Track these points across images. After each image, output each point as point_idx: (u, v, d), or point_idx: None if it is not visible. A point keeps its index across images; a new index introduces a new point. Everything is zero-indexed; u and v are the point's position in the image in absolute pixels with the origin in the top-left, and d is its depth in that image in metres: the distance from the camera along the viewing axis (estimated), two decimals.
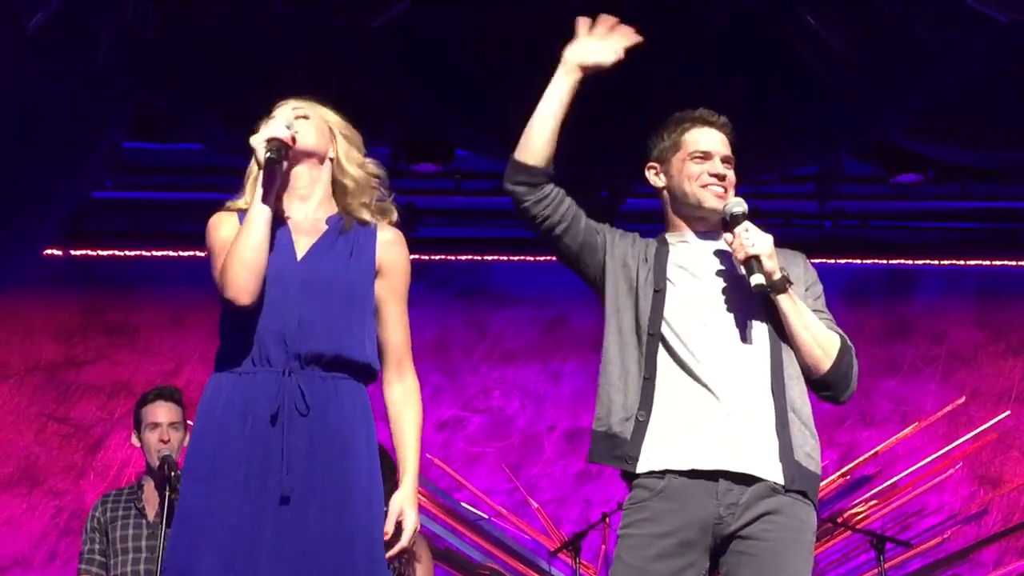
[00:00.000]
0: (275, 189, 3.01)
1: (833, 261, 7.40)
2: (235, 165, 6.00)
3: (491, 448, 7.16)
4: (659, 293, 3.14)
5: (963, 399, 7.19)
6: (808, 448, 3.07)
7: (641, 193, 6.30)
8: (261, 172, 2.99)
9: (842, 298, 7.42)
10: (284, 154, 3.00)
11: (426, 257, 7.08)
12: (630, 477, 3.09)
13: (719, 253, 3.22)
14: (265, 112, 3.19)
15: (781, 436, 3.03)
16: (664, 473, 3.02)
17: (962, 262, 7.44)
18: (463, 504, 7.00)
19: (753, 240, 3.07)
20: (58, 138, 5.01)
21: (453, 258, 7.43)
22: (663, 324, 3.11)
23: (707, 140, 3.26)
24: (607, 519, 6.06)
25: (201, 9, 4.87)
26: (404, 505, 2.99)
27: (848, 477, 7.03)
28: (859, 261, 7.46)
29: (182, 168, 6.93)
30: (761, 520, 2.98)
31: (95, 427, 7.09)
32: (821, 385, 3.16)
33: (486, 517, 6.97)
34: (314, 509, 2.87)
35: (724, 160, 3.25)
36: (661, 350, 3.10)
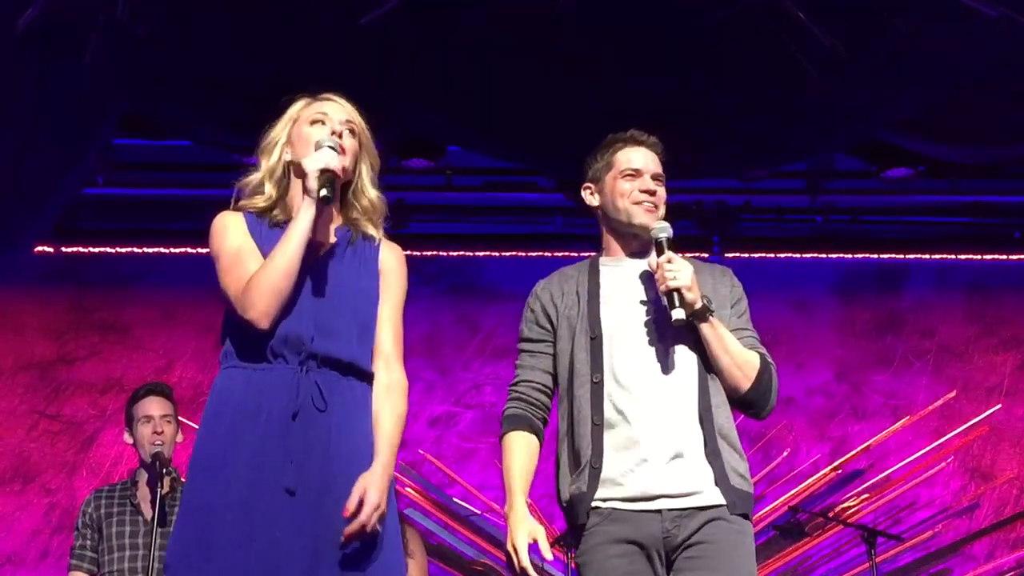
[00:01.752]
0: (317, 219, 2.99)
1: (824, 256, 7.45)
2: (225, 162, 6.06)
3: (483, 444, 7.16)
4: (596, 340, 3.24)
5: (954, 393, 7.21)
6: (740, 469, 3.18)
7: None
8: (307, 198, 2.96)
9: (833, 293, 7.46)
10: (337, 187, 3.01)
11: (417, 253, 7.09)
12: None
13: (649, 277, 3.30)
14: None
15: (714, 464, 3.14)
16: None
17: (952, 257, 7.47)
18: (455, 500, 7.00)
19: (675, 273, 3.16)
20: (50, 135, 5.00)
21: (444, 254, 7.44)
22: (604, 369, 3.20)
23: (638, 158, 3.38)
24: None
25: (190, 6, 4.86)
26: (368, 485, 2.89)
27: (840, 471, 7.04)
28: (850, 256, 7.49)
29: (173, 164, 6.92)
30: (706, 526, 3.09)
31: (87, 424, 7.08)
32: (742, 403, 3.28)
33: (479, 513, 6.97)
34: (328, 507, 2.86)
35: (654, 177, 3.37)
36: (606, 395, 3.18)
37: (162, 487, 4.56)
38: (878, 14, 4.73)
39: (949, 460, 7.09)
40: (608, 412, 3.16)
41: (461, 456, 7.13)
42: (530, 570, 3.08)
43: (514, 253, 7.42)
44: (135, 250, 7.30)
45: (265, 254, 2.99)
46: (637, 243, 3.36)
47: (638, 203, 3.31)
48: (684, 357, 3.20)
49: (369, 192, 3.15)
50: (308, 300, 2.98)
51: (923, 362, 7.36)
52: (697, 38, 4.73)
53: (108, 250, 7.30)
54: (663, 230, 3.26)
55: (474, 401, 7.29)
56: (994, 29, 4.76)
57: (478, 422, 7.23)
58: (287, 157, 3.11)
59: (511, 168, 6.83)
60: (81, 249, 7.29)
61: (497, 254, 7.47)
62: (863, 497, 6.97)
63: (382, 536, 2.91)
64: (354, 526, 2.84)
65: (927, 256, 7.45)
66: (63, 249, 7.24)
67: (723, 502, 3.10)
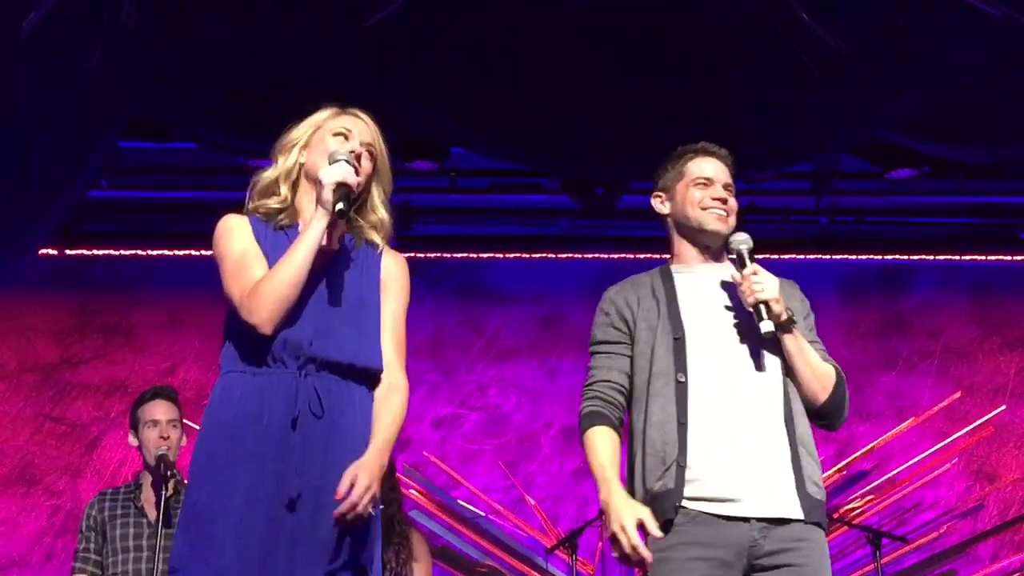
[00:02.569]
0: (328, 232, 3.01)
1: (829, 257, 7.45)
2: (230, 164, 6.07)
3: (488, 446, 7.16)
4: (679, 340, 3.25)
5: (959, 394, 7.19)
6: (815, 477, 3.21)
7: (636, 190, 6.31)
8: (320, 209, 2.98)
9: (838, 294, 7.45)
10: (352, 203, 3.03)
11: (421, 255, 7.09)
12: None
13: (726, 285, 3.34)
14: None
15: (796, 470, 3.16)
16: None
17: (957, 258, 7.46)
18: (460, 502, 7.00)
19: (763, 285, 3.19)
20: (55, 138, 5.01)
21: (449, 256, 7.44)
22: (688, 369, 3.22)
23: (709, 168, 3.45)
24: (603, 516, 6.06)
25: (194, 10, 4.87)
26: (359, 469, 2.87)
27: (844, 472, 7.03)
28: (855, 257, 7.49)
29: (177, 167, 6.93)
30: (791, 550, 3.09)
31: (91, 426, 7.09)
32: (818, 415, 3.31)
33: (483, 515, 6.97)
34: (328, 512, 2.86)
35: (725, 187, 3.43)
36: (691, 395, 3.19)
37: (167, 490, 4.57)
38: (882, 13, 4.73)
39: (954, 461, 7.07)
40: (693, 412, 3.17)
41: (466, 458, 7.13)
42: (642, 548, 3.04)
43: (519, 255, 7.42)
44: (139, 253, 7.32)
45: (270, 258, 3.01)
46: (709, 252, 3.42)
47: (708, 210, 3.37)
48: (768, 363, 3.23)
49: (379, 211, 3.18)
50: (309, 305, 2.98)
51: (928, 363, 7.35)
52: (699, 39, 4.74)
53: (112, 253, 7.32)
54: (744, 241, 3.30)
55: (479, 403, 7.28)
56: (995, 29, 4.76)
57: (483, 424, 7.23)
58: (302, 160, 3.12)
59: (516, 170, 6.83)
60: (85, 252, 7.31)
61: (502, 256, 7.47)
62: (868, 498, 6.96)
63: (372, 535, 2.93)
64: (344, 507, 2.83)
65: (932, 257, 7.45)
66: (67, 252, 7.26)
67: (801, 516, 3.11)
